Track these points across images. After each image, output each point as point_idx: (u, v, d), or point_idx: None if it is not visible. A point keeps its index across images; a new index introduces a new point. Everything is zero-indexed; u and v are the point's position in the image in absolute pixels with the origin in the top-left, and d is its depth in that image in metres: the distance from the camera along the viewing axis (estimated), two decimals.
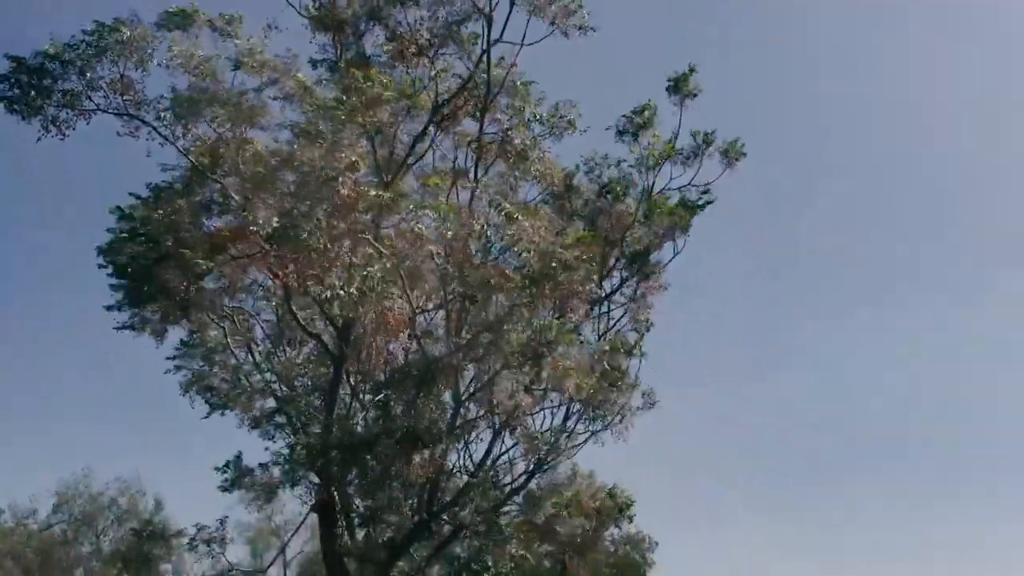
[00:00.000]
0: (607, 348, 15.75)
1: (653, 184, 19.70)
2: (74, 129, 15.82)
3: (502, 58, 17.97)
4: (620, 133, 19.69)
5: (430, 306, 16.60)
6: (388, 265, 14.33)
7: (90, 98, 15.76)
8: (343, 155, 14.78)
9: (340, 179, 14.32)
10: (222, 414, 18.75)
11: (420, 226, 14.77)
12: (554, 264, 14.27)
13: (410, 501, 15.20)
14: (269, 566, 21.51)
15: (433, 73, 17.89)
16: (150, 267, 16.40)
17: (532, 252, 14.34)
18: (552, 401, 16.20)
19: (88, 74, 15.57)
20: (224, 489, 17.68)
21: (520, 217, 14.82)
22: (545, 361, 14.27)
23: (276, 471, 16.73)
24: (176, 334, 18.76)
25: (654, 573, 34.49)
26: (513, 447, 16.28)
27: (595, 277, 16.82)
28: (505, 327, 14.44)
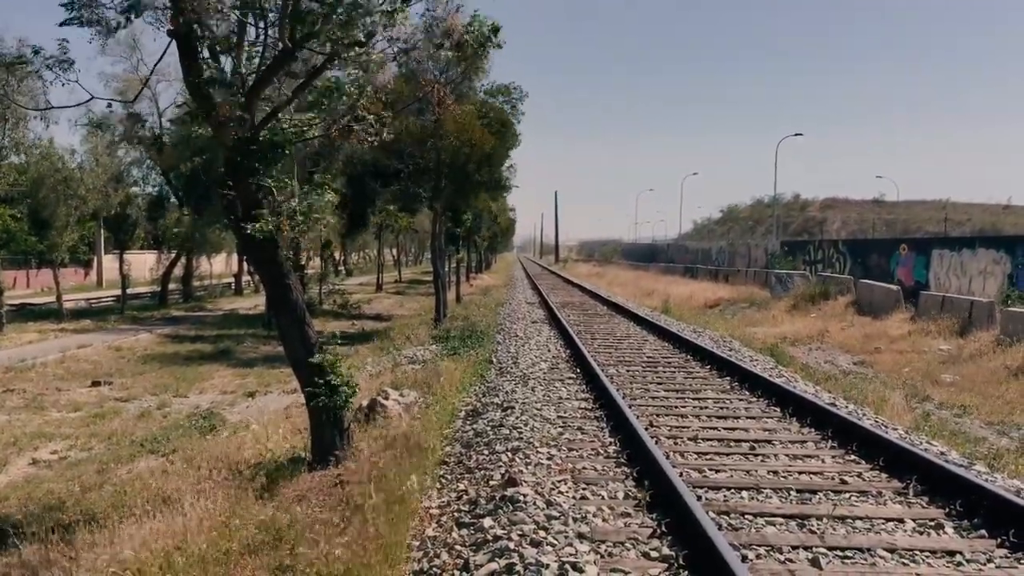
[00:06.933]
0: None
1: None
2: None
3: None
4: None
5: None
6: None
7: None
8: None
9: None
10: None
11: None
12: None
13: (272, 29, 14.51)
14: (135, 98, 21.01)
15: None
16: None
17: None
18: None
19: None
20: (73, 22, 16.20)
21: None
22: None
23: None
24: None
25: (524, 124, 37.06)
26: None
27: None
28: None
